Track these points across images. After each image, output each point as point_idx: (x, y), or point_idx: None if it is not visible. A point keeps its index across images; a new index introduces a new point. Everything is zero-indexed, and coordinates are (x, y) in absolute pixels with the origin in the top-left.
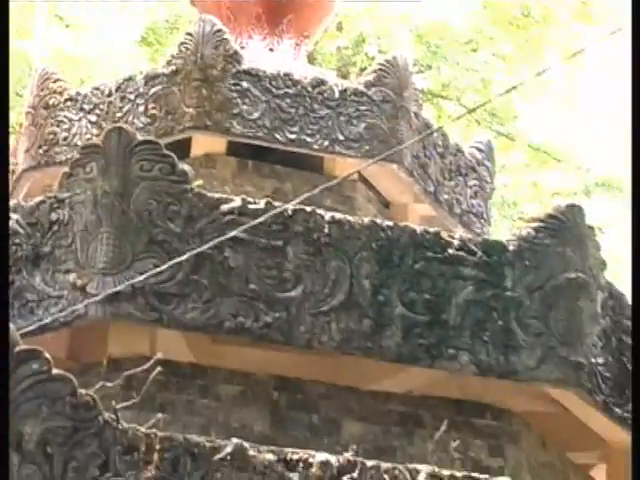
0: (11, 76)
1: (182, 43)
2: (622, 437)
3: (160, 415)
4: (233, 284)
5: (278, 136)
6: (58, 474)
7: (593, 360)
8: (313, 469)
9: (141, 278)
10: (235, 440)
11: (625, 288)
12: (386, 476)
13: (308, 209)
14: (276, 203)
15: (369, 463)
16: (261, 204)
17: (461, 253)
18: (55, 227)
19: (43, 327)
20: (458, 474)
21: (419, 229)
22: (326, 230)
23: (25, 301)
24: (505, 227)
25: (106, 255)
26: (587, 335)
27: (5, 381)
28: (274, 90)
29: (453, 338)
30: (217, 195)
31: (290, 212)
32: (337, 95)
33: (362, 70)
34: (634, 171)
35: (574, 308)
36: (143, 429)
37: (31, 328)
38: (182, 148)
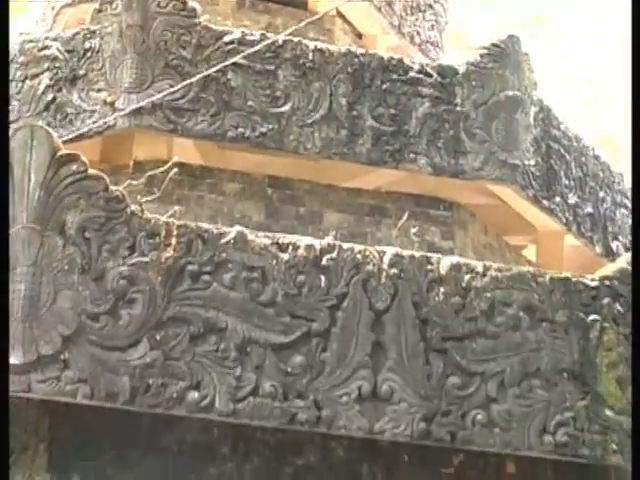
0: None
1: None
2: (548, 223)
3: (176, 207)
4: (234, 101)
5: None
6: (94, 254)
7: (526, 162)
8: (300, 251)
9: (159, 96)
10: (237, 227)
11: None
12: (359, 256)
13: (295, 40)
14: (269, 35)
15: (345, 246)
16: (257, 35)
17: (420, 75)
18: (88, 54)
19: (80, 136)
20: (417, 254)
21: (386, 56)
22: (310, 57)
23: (65, 114)
24: (456, 55)
25: (130, 77)
26: (521, 142)
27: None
28: None
29: (413, 145)
30: (220, 28)
31: (280, 42)
32: None
33: None
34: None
35: (511, 120)
36: (163, 218)
37: (70, 136)
38: None
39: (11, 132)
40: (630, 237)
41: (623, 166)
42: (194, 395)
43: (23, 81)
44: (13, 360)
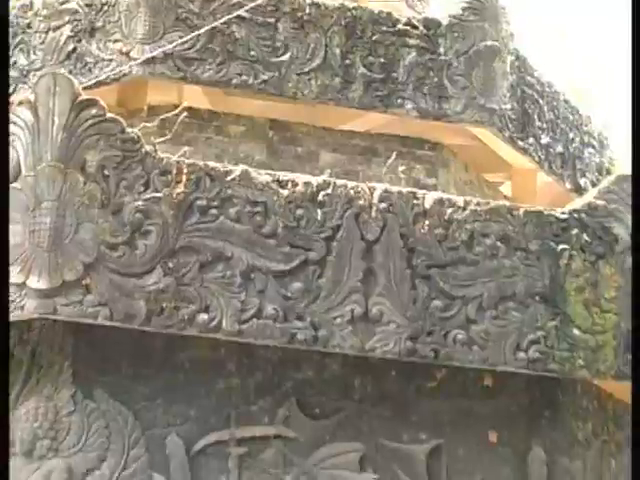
0: None
1: None
2: (523, 162)
3: (186, 148)
4: (238, 51)
5: None
6: (113, 190)
7: (503, 106)
8: (298, 187)
9: (170, 46)
10: (241, 166)
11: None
12: (351, 192)
13: None
14: None
15: (339, 182)
16: None
17: (407, 28)
18: (105, 7)
19: (99, 83)
20: (404, 190)
21: (376, 10)
22: (307, 10)
23: (85, 63)
24: (440, 8)
25: (144, 29)
26: (499, 88)
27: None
28: None
29: (401, 91)
30: None
31: None
32: None
33: None
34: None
35: (490, 68)
36: (174, 158)
37: (90, 83)
38: None
39: (36, 79)
40: (597, 174)
41: (590, 110)
42: (203, 317)
43: (46, 33)
44: (40, 285)
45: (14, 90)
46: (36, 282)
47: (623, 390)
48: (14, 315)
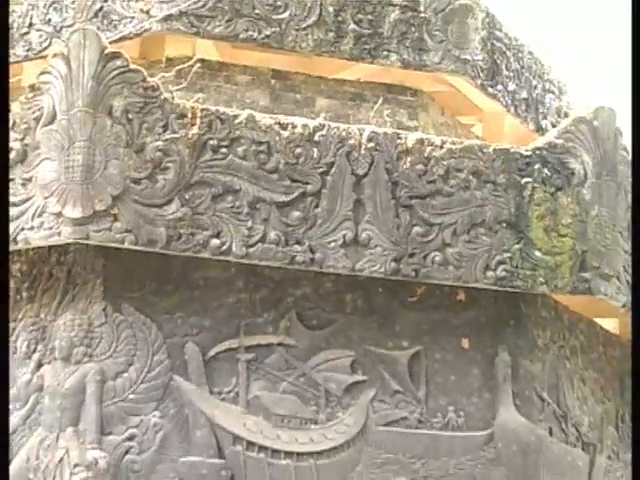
0: None
1: None
2: (492, 106)
3: (199, 95)
4: (244, 9)
5: None
6: (136, 131)
7: (475, 57)
8: (297, 129)
9: (185, 5)
10: (247, 110)
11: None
12: (343, 133)
13: None
14: None
15: (332, 125)
16: None
17: None
18: None
19: (123, 38)
20: (389, 131)
21: None
22: None
23: (110, 20)
24: None
25: None
26: (471, 41)
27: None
28: None
29: (386, 44)
30: None
31: None
32: None
33: None
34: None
35: (463, 24)
36: (189, 103)
37: (115, 38)
38: None
39: (68, 35)
40: (557, 117)
41: (551, 60)
42: (215, 242)
43: None
44: (74, 214)
45: (49, 44)
46: (71, 212)
47: (577, 303)
48: (52, 240)
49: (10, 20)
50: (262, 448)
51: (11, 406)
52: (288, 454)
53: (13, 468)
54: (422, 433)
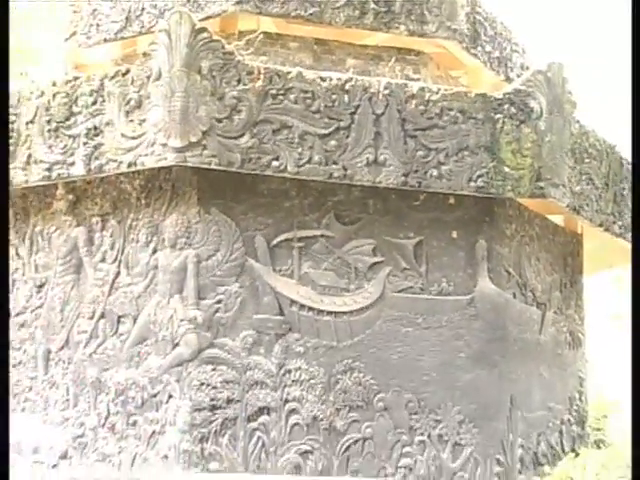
0: None
1: None
2: (474, 62)
3: (262, 57)
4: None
5: None
6: (218, 84)
7: (461, 27)
8: (333, 81)
9: None
10: (297, 68)
11: None
12: (366, 83)
13: None
14: None
15: (358, 77)
16: None
17: None
18: None
19: (207, 17)
20: (399, 82)
21: None
22: None
23: (199, 4)
24: None
25: None
26: (459, 15)
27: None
28: None
29: (397, 18)
30: None
31: None
32: None
33: None
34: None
35: (453, 2)
36: (255, 63)
37: (202, 17)
38: None
39: (168, 15)
40: (520, 70)
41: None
42: (275, 163)
43: None
44: (176, 144)
45: (155, 23)
46: (173, 142)
47: (534, 204)
48: (160, 163)
49: (127, 5)
50: (310, 309)
51: (134, 280)
52: (329, 313)
53: (139, 323)
54: (423, 297)
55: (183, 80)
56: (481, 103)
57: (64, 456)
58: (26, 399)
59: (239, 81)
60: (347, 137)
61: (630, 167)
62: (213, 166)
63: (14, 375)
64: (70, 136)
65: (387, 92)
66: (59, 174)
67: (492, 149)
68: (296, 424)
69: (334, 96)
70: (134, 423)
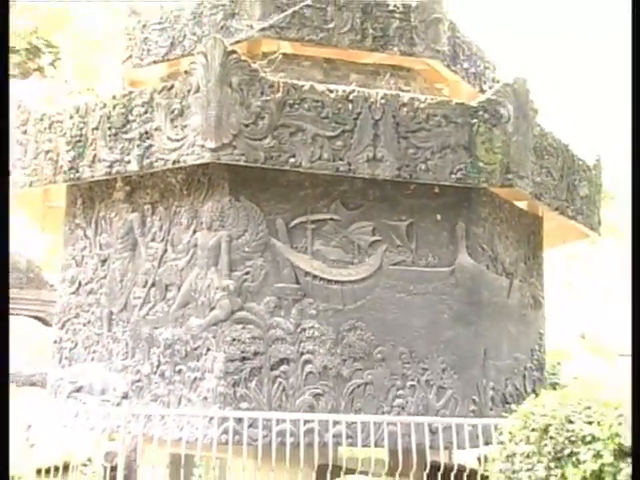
0: None
1: None
2: (454, 77)
3: (281, 74)
4: (307, 22)
5: None
6: (245, 95)
7: (444, 48)
8: (339, 92)
9: (271, 22)
10: (309, 82)
11: None
12: (367, 94)
13: None
14: None
15: (360, 89)
16: None
17: (394, 8)
18: (237, 1)
19: (236, 42)
20: (393, 92)
21: None
22: (341, 2)
23: (230, 32)
24: None
25: (259, 12)
26: (442, 38)
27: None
28: None
29: (391, 42)
30: None
31: None
32: None
33: None
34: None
35: (437, 29)
36: (275, 79)
37: (232, 41)
38: None
39: (205, 41)
40: (492, 83)
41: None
42: (292, 159)
43: (209, 16)
44: (211, 145)
45: (195, 47)
46: (209, 143)
47: (504, 192)
48: (199, 160)
49: (172, 33)
50: (321, 279)
51: (178, 255)
52: (337, 282)
53: (182, 291)
54: (413, 269)
55: (217, 93)
56: (460, 110)
57: (125, 396)
58: (94, 351)
59: (262, 93)
60: (351, 138)
61: (581, 162)
62: (242, 163)
63: (85, 332)
64: (127, 139)
65: (383, 101)
66: (118, 170)
67: (469, 148)
68: (310, 372)
69: (340, 105)
70: (179, 371)
